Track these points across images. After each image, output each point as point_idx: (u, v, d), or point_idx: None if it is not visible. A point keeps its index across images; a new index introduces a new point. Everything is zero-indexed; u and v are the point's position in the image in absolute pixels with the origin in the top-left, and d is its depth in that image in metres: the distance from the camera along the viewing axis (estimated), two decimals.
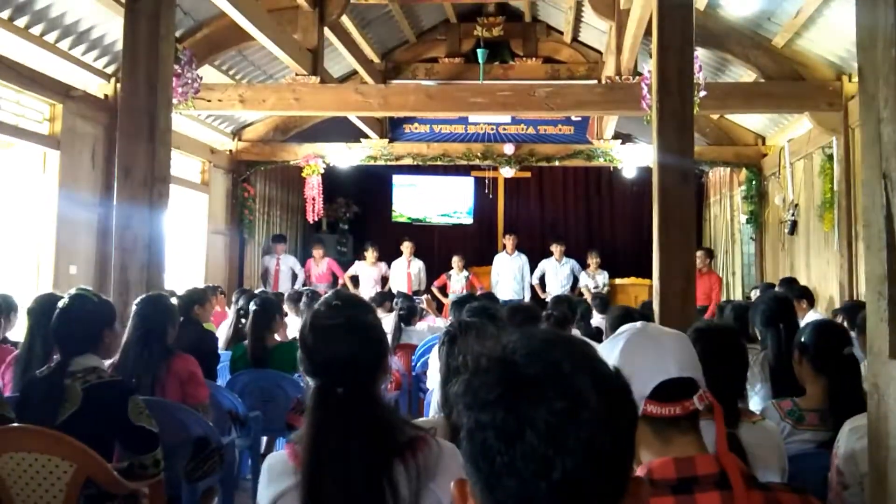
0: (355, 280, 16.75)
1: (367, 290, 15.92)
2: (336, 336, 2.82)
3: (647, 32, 9.38)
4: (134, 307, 5.92)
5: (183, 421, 5.56)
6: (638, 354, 2.48)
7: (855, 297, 11.00)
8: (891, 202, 2.55)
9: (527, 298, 16.32)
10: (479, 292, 15.56)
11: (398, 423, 2.79)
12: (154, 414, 4.55)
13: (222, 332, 9.43)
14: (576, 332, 8.55)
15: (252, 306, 8.00)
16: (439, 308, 12.81)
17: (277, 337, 8.27)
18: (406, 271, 16.79)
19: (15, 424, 4.18)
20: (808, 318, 9.46)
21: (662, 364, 2.46)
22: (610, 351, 2.52)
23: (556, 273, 16.64)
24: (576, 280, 16.66)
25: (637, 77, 11.63)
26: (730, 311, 7.50)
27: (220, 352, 8.09)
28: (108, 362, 5.11)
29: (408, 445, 2.70)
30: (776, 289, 11.15)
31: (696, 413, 2.47)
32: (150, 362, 5.75)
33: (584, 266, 16.66)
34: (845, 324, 5.84)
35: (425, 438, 2.74)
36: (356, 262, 17.31)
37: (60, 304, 4.65)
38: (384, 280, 16.80)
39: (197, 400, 5.94)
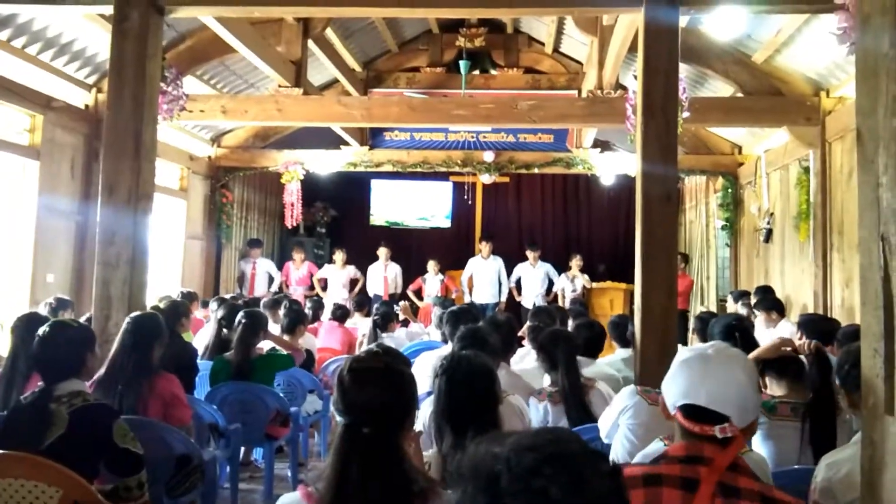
0: (324, 283, 16.76)
1: (336, 293, 16.05)
2: (373, 380, 2.94)
3: (632, 48, 9.42)
4: (124, 324, 5.92)
5: (166, 439, 5.57)
6: (685, 371, 2.91)
7: (828, 306, 11.23)
8: (889, 264, 2.60)
9: (503, 299, 16.59)
10: (454, 295, 15.66)
11: (414, 472, 2.87)
12: (137, 433, 4.56)
13: (201, 341, 9.44)
14: None
15: (241, 318, 7.99)
16: (415, 313, 12.85)
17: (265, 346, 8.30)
18: (383, 275, 16.84)
19: (0, 451, 4.18)
20: (780, 329, 9.56)
21: (695, 390, 2.85)
22: (674, 362, 3.00)
23: (531, 277, 16.65)
24: (551, 283, 16.68)
25: (619, 91, 11.69)
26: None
27: (199, 362, 8.02)
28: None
29: (420, 495, 2.77)
30: (751, 298, 11.23)
31: (714, 437, 2.77)
32: (136, 381, 5.75)
33: (566, 269, 16.64)
34: (803, 337, 5.93)
35: (437, 491, 2.82)
36: (325, 265, 17.35)
37: (40, 332, 4.62)
38: (353, 283, 16.80)
39: (180, 422, 5.95)
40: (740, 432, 2.80)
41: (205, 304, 12.09)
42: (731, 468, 2.71)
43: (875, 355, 2.68)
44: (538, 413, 5.66)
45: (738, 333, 5.87)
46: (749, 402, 2.86)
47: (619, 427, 5.14)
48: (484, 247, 16.84)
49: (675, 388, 2.91)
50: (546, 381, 6.45)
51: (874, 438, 2.72)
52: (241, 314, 8.08)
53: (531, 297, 16.29)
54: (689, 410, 2.83)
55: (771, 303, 10.28)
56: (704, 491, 2.65)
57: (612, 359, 7.81)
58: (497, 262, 16.74)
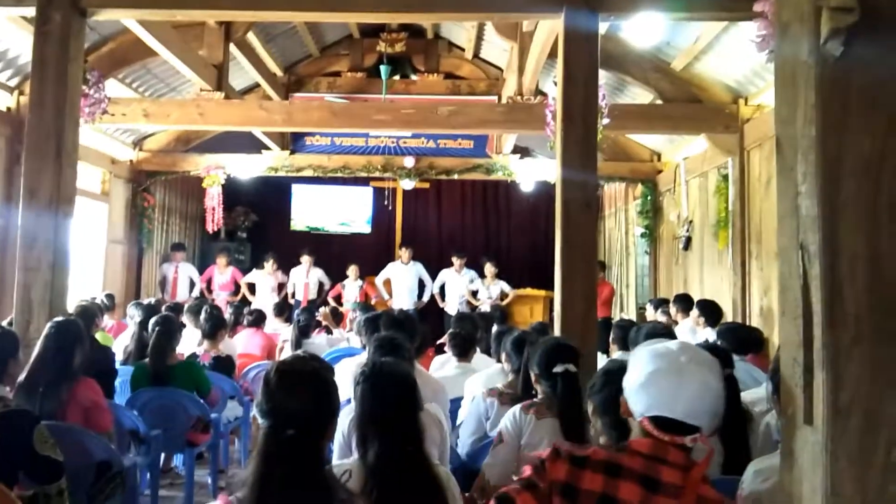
0: (252, 287, 16.63)
1: (264, 298, 15.88)
2: (300, 383, 2.93)
3: (551, 55, 9.43)
4: (46, 329, 5.89)
5: (86, 445, 5.52)
6: (658, 382, 2.83)
7: (747, 314, 11.26)
8: (808, 273, 2.61)
9: (425, 299, 16.60)
10: (373, 301, 15.57)
11: (335, 482, 2.87)
12: (58, 439, 4.49)
13: (120, 346, 9.33)
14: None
15: (154, 324, 7.89)
16: (340, 319, 12.71)
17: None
18: (304, 281, 16.73)
19: None
20: (700, 336, 9.59)
21: (670, 403, 2.80)
22: (641, 365, 2.90)
23: (455, 284, 16.58)
24: (476, 290, 16.60)
25: (539, 97, 11.70)
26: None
27: (118, 367, 7.94)
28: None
29: None
30: (671, 306, 11.28)
31: (684, 445, 2.79)
32: (57, 386, 5.71)
33: (482, 276, 16.59)
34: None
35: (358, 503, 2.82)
36: (254, 270, 17.17)
37: None
38: (280, 287, 16.73)
39: (101, 428, 5.89)
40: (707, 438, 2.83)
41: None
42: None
43: (794, 364, 2.68)
44: (516, 423, 5.03)
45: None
46: (720, 409, 2.86)
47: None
48: (403, 252, 16.75)
49: (644, 399, 2.86)
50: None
51: (794, 448, 2.72)
52: (153, 320, 8.02)
53: (454, 304, 16.29)
54: (660, 422, 2.81)
55: (707, 309, 10.14)
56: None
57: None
58: (416, 268, 16.68)
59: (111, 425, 6.12)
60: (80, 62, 7.44)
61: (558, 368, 4.95)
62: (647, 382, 2.86)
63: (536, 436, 4.84)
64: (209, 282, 16.77)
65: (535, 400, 5.10)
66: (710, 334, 9.39)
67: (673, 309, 11.21)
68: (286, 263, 16.88)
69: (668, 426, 2.78)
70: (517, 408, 5.02)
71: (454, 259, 16.71)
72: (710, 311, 10.00)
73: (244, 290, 16.53)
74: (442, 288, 16.81)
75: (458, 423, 6.46)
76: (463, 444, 5.96)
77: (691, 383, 2.79)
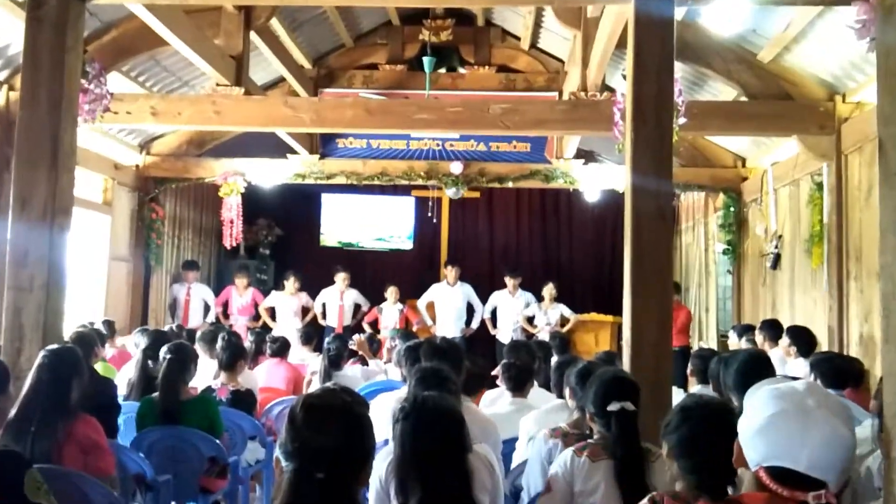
0: (272, 313, 16.57)
1: (287, 323, 15.85)
2: (331, 420, 2.92)
3: (620, 45, 9.40)
4: (39, 358, 5.88)
5: (85, 492, 5.48)
6: (781, 430, 2.76)
7: (845, 342, 11.06)
8: None
9: (474, 326, 16.58)
10: (415, 328, 15.45)
11: None
12: (52, 485, 4.49)
13: (123, 378, 9.28)
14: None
15: (165, 353, 7.82)
16: (374, 348, 12.58)
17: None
18: (339, 303, 16.65)
19: None
20: (791, 368, 9.47)
21: (794, 453, 2.72)
22: (761, 407, 2.84)
23: (509, 308, 16.51)
24: (532, 316, 16.51)
25: (605, 93, 11.66)
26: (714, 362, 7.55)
27: (121, 402, 7.87)
28: None
29: None
30: (757, 333, 11.15)
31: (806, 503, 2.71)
32: (51, 424, 5.69)
33: (540, 299, 16.51)
34: (817, 380, 5.95)
35: None
36: (273, 292, 17.09)
37: None
38: (305, 312, 16.67)
39: (102, 472, 5.84)
40: (834, 497, 2.73)
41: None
42: None
43: None
44: (567, 468, 5.02)
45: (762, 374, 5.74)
46: (850, 462, 2.78)
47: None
48: (450, 272, 16.68)
49: (762, 446, 2.79)
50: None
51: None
52: (165, 348, 7.94)
53: (508, 331, 16.22)
54: (780, 473, 2.74)
55: (799, 337, 9.96)
56: None
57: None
58: (464, 289, 16.62)
59: (113, 469, 6.07)
60: (78, 52, 7.43)
61: (613, 407, 4.92)
62: (766, 427, 2.79)
63: (591, 481, 4.82)
64: (225, 305, 16.77)
65: (588, 441, 5.08)
66: (802, 366, 9.28)
67: (759, 337, 11.06)
68: (315, 284, 16.86)
69: (788, 479, 2.72)
70: (569, 451, 5.01)
71: (507, 279, 16.65)
72: (803, 339, 9.85)
73: (264, 316, 16.48)
74: (493, 313, 16.73)
75: (512, 466, 6.44)
76: (527, 496, 5.83)
77: (819, 430, 2.70)
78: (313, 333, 12.92)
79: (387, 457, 4.17)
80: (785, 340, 10.02)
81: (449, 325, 16.31)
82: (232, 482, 8.01)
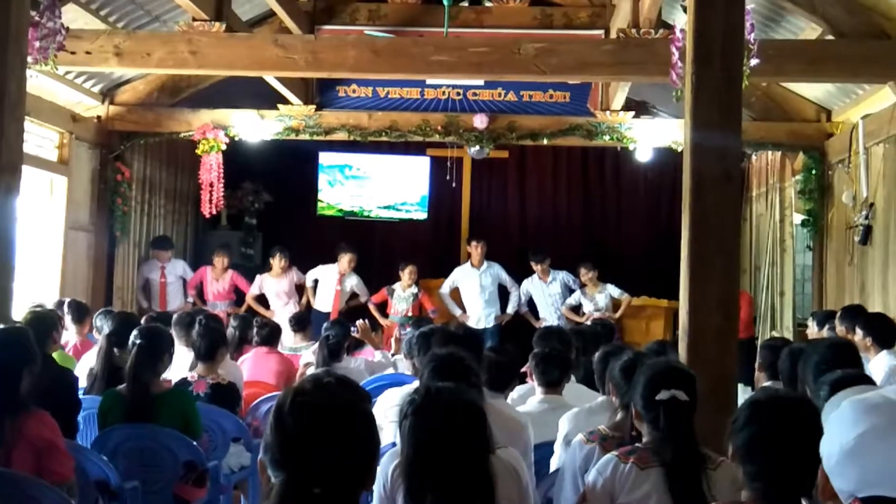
0: (263, 300, 16.55)
1: (278, 309, 15.93)
2: (326, 422, 2.85)
3: None
4: None
5: (38, 500, 5.53)
6: (877, 451, 2.63)
7: None
8: None
9: (510, 311, 16.50)
10: (430, 314, 15.26)
11: None
12: (1, 491, 4.54)
13: (84, 368, 9.29)
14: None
15: (135, 339, 7.81)
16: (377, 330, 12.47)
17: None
18: (336, 287, 16.48)
19: None
20: (875, 363, 9.38)
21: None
22: (846, 424, 2.72)
23: (544, 296, 16.51)
24: (571, 294, 16.51)
25: (661, 31, 11.61)
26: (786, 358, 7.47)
27: (82, 396, 7.95)
28: None
29: None
30: (837, 321, 10.98)
31: None
32: None
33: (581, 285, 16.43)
34: None
35: None
36: (258, 276, 16.85)
37: None
38: (300, 290, 16.71)
39: (59, 477, 5.89)
40: None
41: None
42: None
43: None
44: (606, 476, 4.97)
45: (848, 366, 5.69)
46: None
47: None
48: (475, 250, 16.61)
49: (855, 472, 2.66)
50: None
51: None
52: (135, 332, 7.92)
53: (553, 322, 15.89)
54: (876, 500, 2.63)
55: (864, 325, 9.79)
56: None
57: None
58: (493, 270, 16.56)
59: (72, 474, 6.12)
60: None
61: (662, 395, 4.84)
62: (857, 449, 2.66)
63: (639, 491, 4.77)
64: (200, 288, 16.75)
65: (636, 445, 5.06)
66: (884, 360, 9.21)
67: (840, 326, 10.68)
68: (309, 262, 16.89)
69: None
70: (611, 455, 4.96)
71: (533, 264, 16.60)
72: (881, 330, 9.67)
73: (254, 305, 16.43)
74: (530, 303, 16.71)
75: (547, 473, 6.45)
76: None
77: None
78: (307, 319, 12.87)
79: (393, 459, 4.16)
80: (859, 332, 9.77)
81: (479, 314, 16.28)
82: (212, 491, 7.99)
